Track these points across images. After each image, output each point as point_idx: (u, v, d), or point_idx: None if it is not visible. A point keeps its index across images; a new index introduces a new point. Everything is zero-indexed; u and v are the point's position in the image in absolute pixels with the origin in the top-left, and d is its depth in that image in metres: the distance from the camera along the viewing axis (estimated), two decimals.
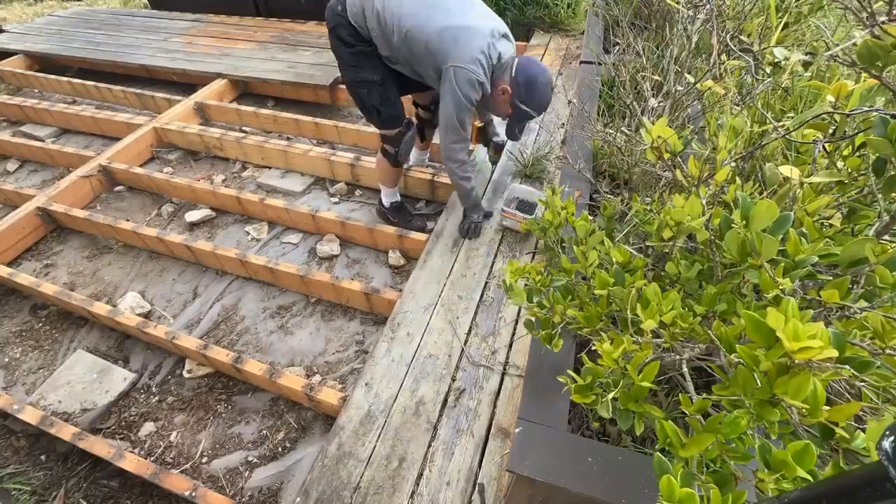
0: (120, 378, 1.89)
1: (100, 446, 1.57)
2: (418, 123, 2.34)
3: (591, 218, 1.02)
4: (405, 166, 2.45)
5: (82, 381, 1.88)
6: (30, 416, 1.67)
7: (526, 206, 2.09)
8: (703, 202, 0.81)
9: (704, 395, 0.66)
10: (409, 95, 2.17)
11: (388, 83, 1.90)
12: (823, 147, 0.83)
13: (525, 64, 1.69)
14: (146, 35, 4.30)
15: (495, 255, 1.99)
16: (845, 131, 0.82)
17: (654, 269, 1.04)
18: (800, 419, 0.55)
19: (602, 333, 0.82)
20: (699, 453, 0.58)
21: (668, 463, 0.58)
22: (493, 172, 2.44)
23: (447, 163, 1.89)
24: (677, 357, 0.77)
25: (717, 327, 0.67)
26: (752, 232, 0.64)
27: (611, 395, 0.69)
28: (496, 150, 2.38)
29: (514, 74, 1.68)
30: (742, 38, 1.44)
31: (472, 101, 1.71)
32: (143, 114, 3.53)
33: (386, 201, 2.41)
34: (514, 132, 1.86)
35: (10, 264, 2.42)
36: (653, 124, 0.90)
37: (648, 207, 1.04)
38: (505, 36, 1.75)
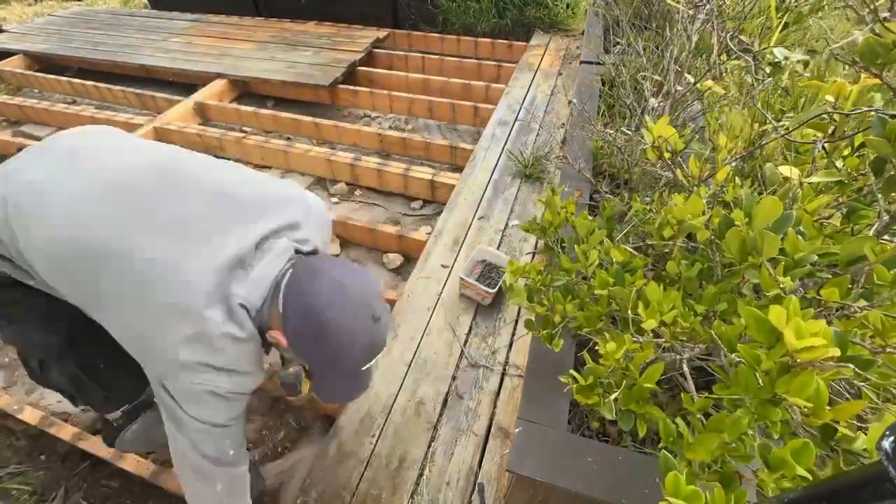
0: None
1: (100, 446, 1.57)
2: None
3: (590, 218, 1.02)
4: None
5: None
6: (30, 416, 1.67)
7: (493, 271, 1.85)
8: (704, 201, 0.81)
9: (706, 395, 0.66)
10: None
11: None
12: (823, 147, 0.83)
13: (303, 291, 0.85)
14: (146, 35, 4.30)
15: None
16: (844, 131, 0.82)
17: (654, 268, 1.04)
18: (802, 419, 0.55)
19: (604, 333, 0.82)
20: (708, 456, 0.58)
21: (674, 461, 0.58)
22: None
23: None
24: (678, 357, 0.77)
25: (718, 327, 0.67)
26: (754, 229, 0.64)
27: (613, 397, 0.68)
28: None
29: (282, 310, 0.86)
30: (742, 38, 1.44)
31: (220, 423, 0.91)
32: (143, 114, 3.53)
33: None
34: (324, 393, 1.00)
35: None
36: (654, 123, 0.90)
37: (648, 207, 1.04)
38: (275, 233, 0.91)
